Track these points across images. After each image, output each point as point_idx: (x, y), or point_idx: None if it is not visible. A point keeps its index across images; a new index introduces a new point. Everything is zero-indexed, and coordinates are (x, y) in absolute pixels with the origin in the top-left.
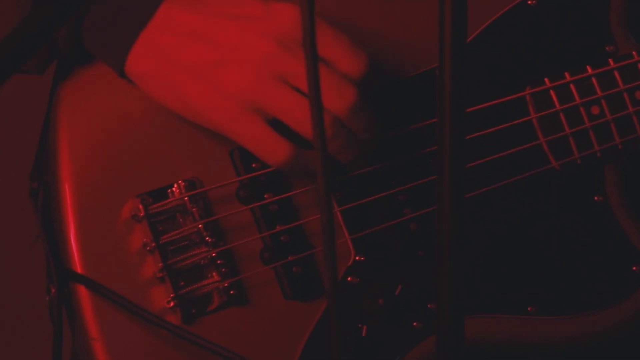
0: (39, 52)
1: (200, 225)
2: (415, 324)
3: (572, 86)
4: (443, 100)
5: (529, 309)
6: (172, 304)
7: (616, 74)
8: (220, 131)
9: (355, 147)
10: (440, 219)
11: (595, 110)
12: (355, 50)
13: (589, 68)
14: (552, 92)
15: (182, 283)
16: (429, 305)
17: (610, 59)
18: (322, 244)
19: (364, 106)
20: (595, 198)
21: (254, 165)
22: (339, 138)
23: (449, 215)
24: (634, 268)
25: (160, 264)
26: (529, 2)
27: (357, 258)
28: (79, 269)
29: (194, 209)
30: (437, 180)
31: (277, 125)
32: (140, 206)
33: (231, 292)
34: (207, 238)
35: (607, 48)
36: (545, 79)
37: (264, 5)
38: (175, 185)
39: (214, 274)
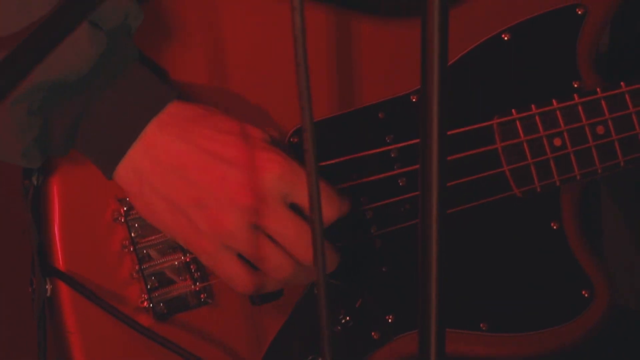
0: (33, 154)
1: None
2: (373, 334)
3: (537, 118)
4: (428, 122)
5: (481, 325)
6: (145, 303)
7: (580, 108)
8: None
9: (310, 279)
10: (424, 236)
11: (557, 142)
12: (329, 197)
13: (554, 101)
14: (517, 123)
15: (156, 284)
16: (387, 317)
17: (575, 94)
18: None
19: (328, 254)
20: (552, 224)
21: None
22: (297, 279)
23: (435, 230)
24: (584, 292)
25: (137, 266)
26: (503, 36)
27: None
28: (60, 266)
29: None
30: (420, 197)
31: None
32: (122, 210)
33: (202, 295)
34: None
35: (573, 83)
36: (513, 110)
37: (248, 151)
38: None
39: (187, 277)
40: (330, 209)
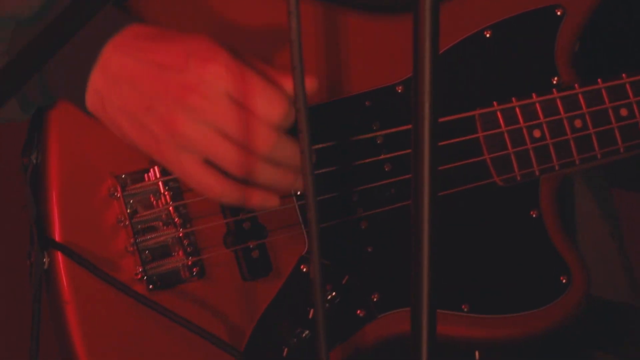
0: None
1: (170, 208)
2: (358, 312)
3: (517, 110)
4: (420, 109)
5: (462, 307)
6: (139, 275)
7: (558, 102)
8: (166, 169)
9: (286, 175)
10: (417, 218)
11: (537, 133)
12: (269, 94)
13: (534, 95)
14: (499, 114)
15: (150, 258)
16: (372, 296)
17: (554, 89)
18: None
19: (285, 144)
20: (531, 212)
21: None
22: (264, 178)
23: (427, 212)
24: (562, 278)
25: (132, 239)
26: (485, 33)
27: None
28: (58, 238)
29: (166, 193)
30: (412, 180)
31: None
32: (118, 186)
33: (194, 269)
34: (175, 219)
35: (552, 79)
36: (494, 102)
37: (191, 54)
38: (152, 170)
39: (180, 252)
40: (273, 106)
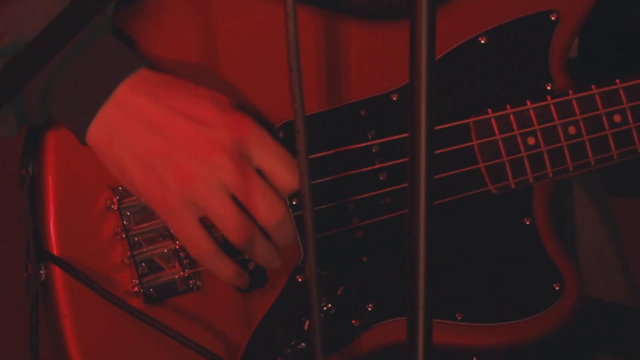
0: (8, 118)
1: None
2: (353, 322)
3: (511, 117)
4: (417, 118)
5: (457, 315)
6: (136, 288)
7: (552, 109)
8: (156, 213)
9: (271, 253)
10: (413, 225)
11: (531, 140)
12: (292, 167)
13: (528, 102)
14: (493, 121)
15: (146, 270)
16: (367, 306)
17: (548, 96)
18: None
19: (287, 221)
20: (525, 220)
21: None
22: (256, 249)
23: (424, 219)
24: (554, 285)
25: (128, 252)
26: (480, 39)
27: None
28: (55, 251)
29: None
30: (408, 189)
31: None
32: (115, 198)
33: (190, 281)
34: (172, 232)
35: (546, 85)
36: (488, 109)
37: (220, 113)
38: None
39: (176, 264)
40: (293, 178)
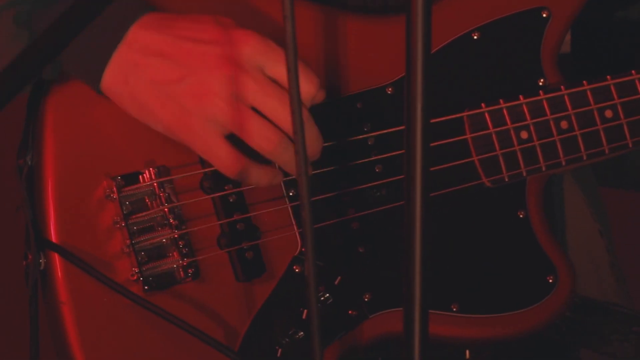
0: None
1: (165, 209)
2: (350, 312)
3: (505, 111)
4: (413, 110)
5: (452, 307)
6: (135, 277)
7: (545, 103)
8: (183, 142)
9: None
10: (409, 216)
11: (524, 134)
12: (306, 73)
13: (521, 97)
14: (486, 115)
15: (145, 259)
16: (364, 296)
17: (540, 91)
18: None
19: (310, 125)
20: (519, 213)
21: None
22: (286, 154)
23: (420, 211)
24: (548, 278)
25: (128, 241)
26: (473, 35)
27: (303, 249)
28: (54, 239)
29: (161, 194)
30: (404, 180)
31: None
32: (114, 187)
33: (189, 270)
34: (171, 221)
35: (538, 81)
36: (482, 104)
37: (224, 31)
38: (147, 171)
39: (175, 253)
40: (308, 85)
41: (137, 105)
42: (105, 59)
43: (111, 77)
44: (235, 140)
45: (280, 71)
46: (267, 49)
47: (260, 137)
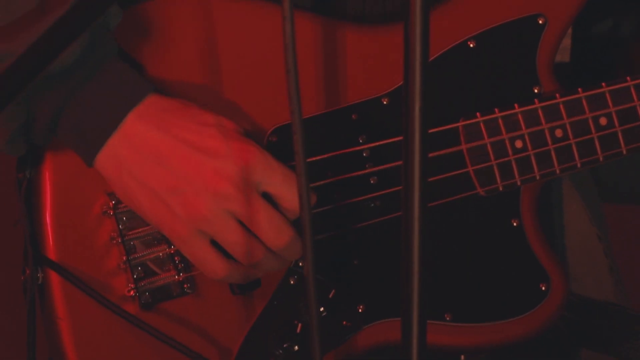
0: (18, 142)
1: None
2: (344, 323)
3: (500, 121)
4: (411, 120)
5: (446, 316)
6: (132, 292)
7: (540, 112)
8: (171, 241)
9: (279, 267)
10: (406, 226)
11: (518, 144)
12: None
13: (516, 106)
14: (482, 125)
15: (142, 274)
16: (357, 307)
17: (535, 99)
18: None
19: (295, 241)
20: (512, 222)
21: None
22: (266, 266)
23: (417, 221)
24: (541, 285)
25: (124, 257)
26: (469, 43)
27: (301, 264)
28: (51, 255)
29: None
30: (402, 191)
31: None
32: (111, 203)
33: (185, 285)
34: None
35: (533, 89)
36: (477, 113)
37: (225, 142)
38: None
39: (171, 268)
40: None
41: (127, 198)
42: (99, 144)
43: (104, 163)
44: None
45: (275, 188)
46: (264, 166)
47: (243, 253)
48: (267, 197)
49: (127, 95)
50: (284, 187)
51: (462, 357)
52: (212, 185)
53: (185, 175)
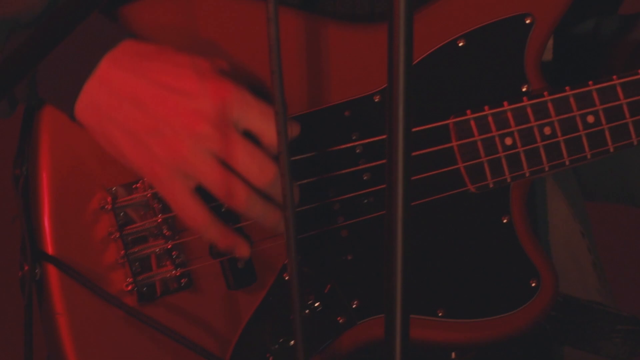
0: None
1: (159, 220)
2: (339, 318)
3: (490, 118)
4: (394, 119)
5: (437, 312)
6: (129, 287)
7: (529, 110)
8: (152, 185)
9: (274, 213)
10: (390, 223)
11: (508, 141)
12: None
13: (505, 103)
14: (472, 122)
15: (139, 269)
16: (352, 303)
17: (524, 97)
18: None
19: (279, 178)
20: (503, 219)
21: None
22: (256, 208)
23: (400, 218)
24: (531, 282)
25: (122, 252)
26: (458, 42)
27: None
28: (50, 250)
29: (155, 205)
30: (386, 189)
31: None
32: (109, 199)
33: (182, 280)
34: (164, 231)
35: (522, 87)
36: (468, 111)
37: (200, 82)
38: (140, 182)
39: (168, 263)
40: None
41: (108, 143)
42: (75, 92)
43: (83, 110)
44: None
45: (253, 124)
46: (241, 103)
47: (226, 193)
48: (248, 135)
49: (101, 40)
50: (263, 122)
51: (453, 354)
52: (190, 126)
53: (163, 117)
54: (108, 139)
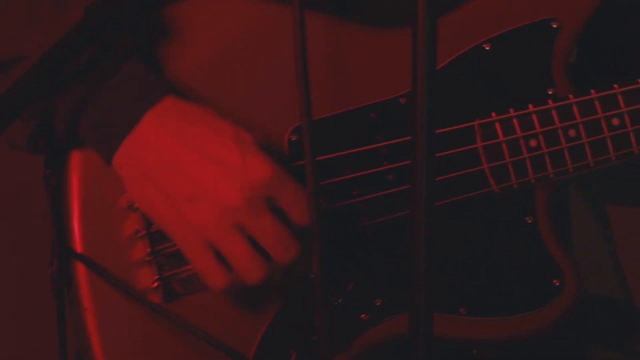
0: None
1: None
2: (362, 316)
3: (515, 120)
4: (418, 121)
5: (461, 309)
6: (156, 284)
7: (554, 113)
8: (175, 243)
9: (288, 279)
10: (414, 223)
11: (533, 143)
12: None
13: (530, 106)
14: (497, 125)
15: (166, 267)
16: (375, 301)
17: (549, 100)
18: (311, 241)
19: (300, 258)
20: (527, 219)
21: None
22: (274, 280)
23: (424, 218)
24: (555, 281)
25: (149, 249)
26: (485, 46)
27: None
28: (78, 248)
29: None
30: (410, 190)
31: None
32: None
33: None
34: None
35: (547, 90)
36: (493, 113)
37: (242, 156)
38: None
39: None
40: (307, 214)
41: (141, 197)
42: (114, 145)
43: (121, 162)
44: None
45: (286, 204)
46: (276, 183)
47: (245, 268)
48: (278, 211)
49: (143, 94)
50: (294, 204)
51: (475, 351)
52: (225, 198)
53: (200, 185)
54: (142, 193)
